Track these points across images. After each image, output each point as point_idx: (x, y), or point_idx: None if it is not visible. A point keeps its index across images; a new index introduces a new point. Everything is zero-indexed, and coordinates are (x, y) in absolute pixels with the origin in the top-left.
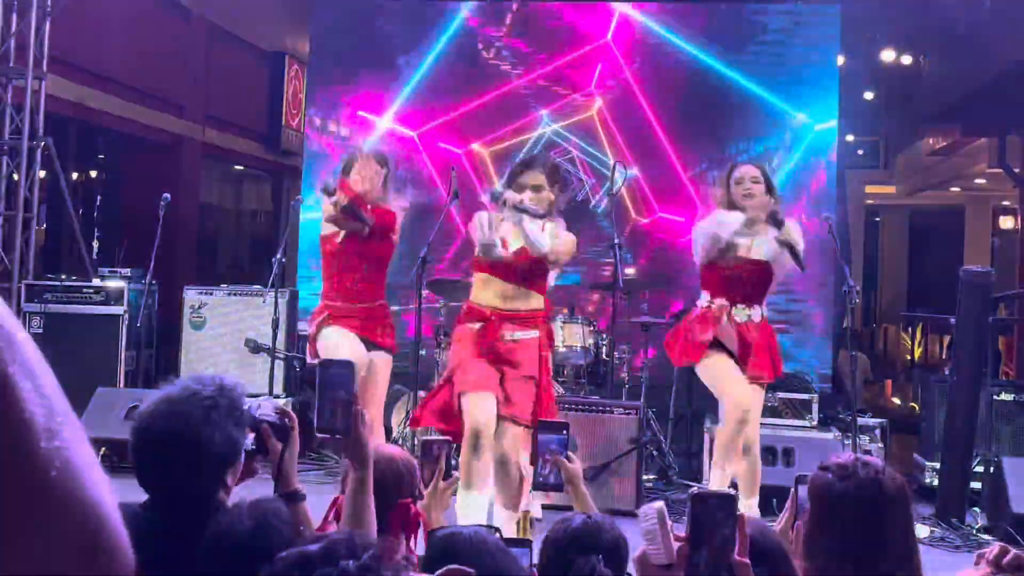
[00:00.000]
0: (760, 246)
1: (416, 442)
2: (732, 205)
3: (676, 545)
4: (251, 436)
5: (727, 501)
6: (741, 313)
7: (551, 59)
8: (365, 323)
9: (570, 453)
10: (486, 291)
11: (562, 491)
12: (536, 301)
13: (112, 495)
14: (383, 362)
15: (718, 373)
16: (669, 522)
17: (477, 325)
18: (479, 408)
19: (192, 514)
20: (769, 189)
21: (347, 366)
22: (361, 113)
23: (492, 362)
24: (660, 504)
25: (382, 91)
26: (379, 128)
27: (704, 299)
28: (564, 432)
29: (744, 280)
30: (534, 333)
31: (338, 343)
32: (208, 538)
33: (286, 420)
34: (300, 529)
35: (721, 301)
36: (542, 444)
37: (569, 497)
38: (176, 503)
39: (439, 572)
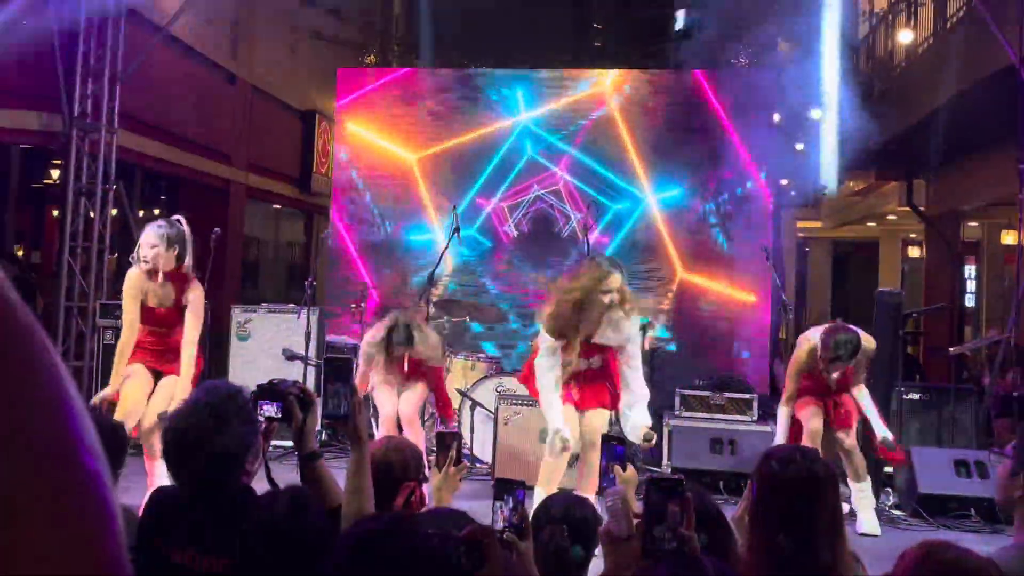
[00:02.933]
0: (605, 330)
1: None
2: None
3: (635, 521)
4: (279, 404)
5: (676, 485)
6: (582, 363)
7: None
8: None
9: (629, 464)
10: None
11: None
12: None
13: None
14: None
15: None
16: (629, 502)
17: None
18: None
19: (217, 499)
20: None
21: (347, 360)
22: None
23: None
24: (622, 487)
25: None
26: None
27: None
28: (624, 444)
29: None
30: None
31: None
32: (251, 522)
33: (307, 395)
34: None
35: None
36: (605, 457)
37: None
38: (201, 493)
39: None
